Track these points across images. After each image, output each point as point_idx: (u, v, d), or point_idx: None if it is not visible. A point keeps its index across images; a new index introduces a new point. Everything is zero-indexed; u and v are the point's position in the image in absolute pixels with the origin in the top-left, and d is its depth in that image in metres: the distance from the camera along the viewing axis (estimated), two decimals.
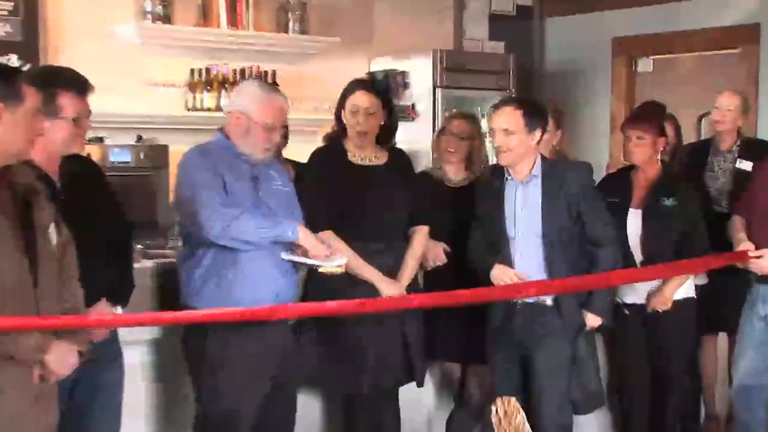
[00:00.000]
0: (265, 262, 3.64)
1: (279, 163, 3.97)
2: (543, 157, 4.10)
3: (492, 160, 4.59)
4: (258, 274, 3.62)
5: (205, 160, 3.62)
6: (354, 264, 3.96)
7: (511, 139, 3.93)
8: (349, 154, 4.15)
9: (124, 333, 3.62)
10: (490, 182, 4.16)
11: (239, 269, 3.60)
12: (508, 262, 4.01)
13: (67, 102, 3.22)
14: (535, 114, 4.00)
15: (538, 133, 3.99)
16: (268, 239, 3.59)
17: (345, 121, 4.12)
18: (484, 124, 7.14)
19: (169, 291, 3.87)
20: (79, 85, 3.28)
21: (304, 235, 3.63)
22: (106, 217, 3.43)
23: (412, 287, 4.20)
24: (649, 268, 4.37)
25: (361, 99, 4.08)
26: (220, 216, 3.49)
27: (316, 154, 4.22)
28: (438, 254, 4.35)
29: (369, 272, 4.02)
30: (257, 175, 3.70)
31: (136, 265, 3.98)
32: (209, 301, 3.58)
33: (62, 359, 2.83)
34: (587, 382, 4.13)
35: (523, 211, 4.00)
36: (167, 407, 4.02)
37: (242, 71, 6.77)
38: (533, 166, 4.01)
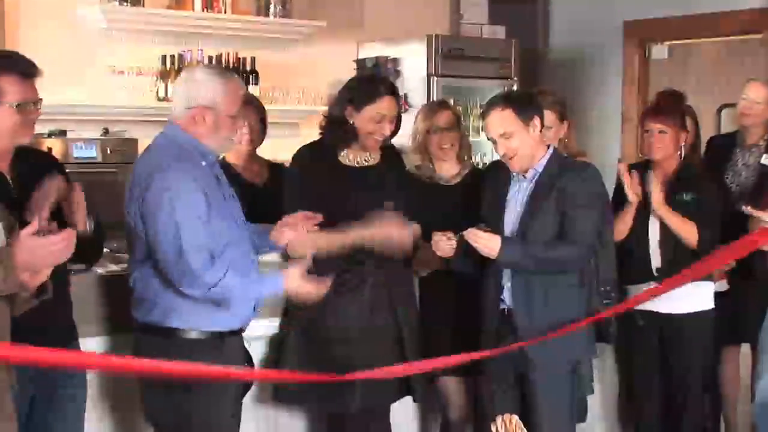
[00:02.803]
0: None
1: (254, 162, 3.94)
2: (555, 151, 4.09)
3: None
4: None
5: (195, 188, 3.46)
6: (334, 241, 3.93)
7: (512, 141, 3.93)
8: (338, 154, 4.14)
9: (85, 342, 3.61)
10: (495, 179, 4.17)
11: None
12: (500, 270, 4.03)
13: (9, 86, 3.15)
14: (524, 106, 3.99)
15: (536, 122, 3.97)
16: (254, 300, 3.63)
17: (357, 124, 4.06)
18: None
19: None
20: (24, 68, 3.20)
21: (291, 285, 3.58)
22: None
23: (407, 293, 4.24)
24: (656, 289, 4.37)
25: (389, 107, 4.07)
26: (200, 285, 3.44)
27: (303, 155, 4.19)
28: (432, 258, 4.33)
29: (348, 237, 3.94)
30: (217, 175, 3.65)
31: (101, 271, 3.99)
32: (184, 319, 3.55)
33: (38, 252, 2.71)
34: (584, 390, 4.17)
35: (520, 210, 4.02)
36: (136, 428, 4.02)
37: (218, 58, 6.77)
38: (540, 160, 4.02)
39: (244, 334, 3.75)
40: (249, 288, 3.55)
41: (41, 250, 2.66)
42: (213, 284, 3.41)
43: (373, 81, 4.25)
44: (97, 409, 3.91)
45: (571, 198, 3.93)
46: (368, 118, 4.04)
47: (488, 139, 4.08)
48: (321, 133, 4.21)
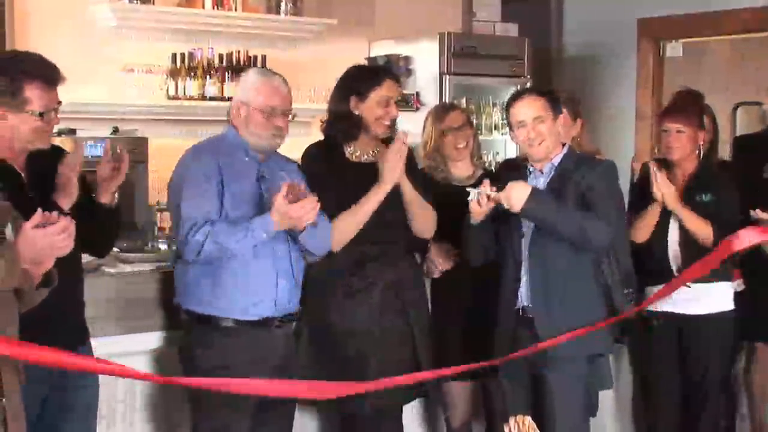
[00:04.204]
0: (262, 263, 3.71)
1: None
2: (570, 149, 4.14)
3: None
4: (254, 277, 3.71)
5: (200, 163, 3.72)
6: (355, 212, 3.99)
7: (543, 128, 3.99)
8: (346, 151, 4.14)
9: (98, 344, 3.63)
10: (510, 177, 4.17)
11: (234, 271, 3.68)
12: (517, 263, 4.03)
13: (34, 94, 3.19)
14: (555, 102, 4.08)
15: (561, 120, 4.08)
16: (250, 246, 3.65)
17: (364, 114, 4.09)
18: (496, 114, 7.23)
19: (151, 300, 3.94)
20: (49, 76, 3.25)
21: (279, 222, 3.62)
22: (84, 216, 3.40)
23: (419, 295, 4.23)
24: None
25: (392, 90, 4.12)
26: (194, 246, 3.59)
27: (310, 154, 4.21)
28: (444, 258, 4.36)
29: (369, 199, 4.00)
30: (264, 175, 3.78)
31: (112, 270, 4.00)
32: (202, 303, 3.71)
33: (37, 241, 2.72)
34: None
35: None
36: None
37: (228, 56, 6.77)
38: (555, 157, 4.05)
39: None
40: (238, 232, 3.62)
41: (43, 240, 2.68)
42: (203, 241, 3.58)
43: (372, 68, 4.32)
44: (111, 418, 3.95)
45: (589, 187, 3.95)
46: (375, 104, 4.08)
47: (510, 125, 4.08)
48: (324, 133, 4.24)
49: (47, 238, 2.69)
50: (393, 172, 3.98)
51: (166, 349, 3.99)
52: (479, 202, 3.92)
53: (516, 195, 3.84)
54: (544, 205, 3.86)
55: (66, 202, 3.31)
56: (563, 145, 4.10)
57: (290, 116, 3.85)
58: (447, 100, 6.80)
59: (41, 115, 3.21)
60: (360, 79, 4.14)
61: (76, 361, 2.98)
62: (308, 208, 3.62)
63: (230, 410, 3.66)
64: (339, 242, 4.01)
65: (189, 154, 3.81)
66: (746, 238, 3.83)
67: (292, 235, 3.77)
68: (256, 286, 3.71)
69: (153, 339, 4.02)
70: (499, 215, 4.03)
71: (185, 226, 3.61)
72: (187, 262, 3.69)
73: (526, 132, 4.00)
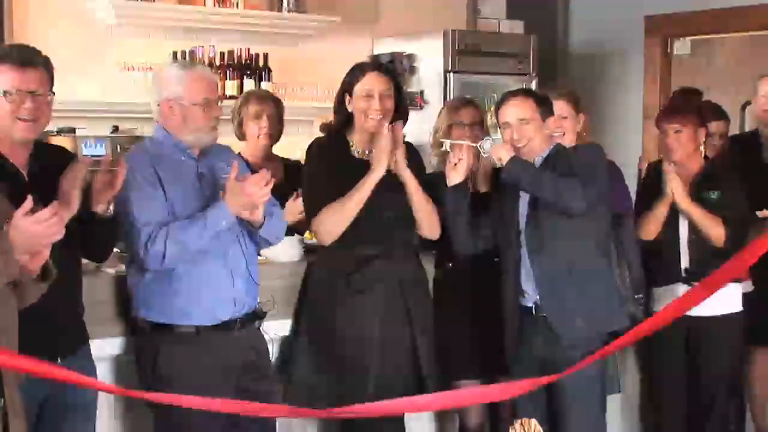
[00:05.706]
0: (215, 268, 3.69)
1: (229, 152, 3.97)
2: (559, 145, 4.16)
3: None
4: (208, 281, 3.68)
5: (139, 169, 3.63)
6: (344, 203, 3.98)
7: (528, 129, 4.02)
8: (352, 147, 4.15)
9: (96, 347, 3.65)
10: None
11: (188, 277, 3.65)
12: (515, 258, 4.06)
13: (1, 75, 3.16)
14: (544, 103, 4.11)
15: (549, 123, 4.10)
16: (210, 238, 3.61)
17: (353, 110, 4.12)
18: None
19: None
20: (19, 56, 3.21)
21: (234, 205, 3.59)
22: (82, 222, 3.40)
23: (422, 294, 4.24)
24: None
25: (374, 82, 4.10)
26: (155, 256, 3.55)
27: (315, 148, 4.21)
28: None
29: (359, 188, 3.99)
30: (203, 172, 3.74)
31: (110, 271, 4.00)
32: (159, 311, 3.68)
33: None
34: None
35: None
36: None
37: (230, 54, 6.78)
38: (543, 152, 4.09)
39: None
40: (195, 226, 3.58)
41: (33, 227, 2.67)
42: (163, 248, 3.53)
43: (361, 63, 4.30)
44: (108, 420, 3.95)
45: (573, 163, 4.00)
46: (358, 98, 4.10)
47: (498, 125, 4.14)
48: (322, 132, 4.27)
49: (36, 226, 2.67)
50: (381, 159, 3.98)
51: None
52: (453, 156, 4.07)
53: (501, 153, 3.96)
54: (522, 167, 3.93)
55: (65, 214, 3.28)
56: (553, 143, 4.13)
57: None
58: (455, 98, 6.77)
59: (5, 93, 3.17)
60: (349, 75, 4.17)
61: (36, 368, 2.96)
62: (261, 184, 3.58)
63: (190, 418, 3.60)
64: (331, 232, 4.01)
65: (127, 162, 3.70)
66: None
67: (249, 230, 3.75)
68: (212, 290, 3.69)
69: None
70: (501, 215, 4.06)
71: (142, 236, 3.55)
72: (141, 271, 3.65)
73: (509, 133, 4.03)
